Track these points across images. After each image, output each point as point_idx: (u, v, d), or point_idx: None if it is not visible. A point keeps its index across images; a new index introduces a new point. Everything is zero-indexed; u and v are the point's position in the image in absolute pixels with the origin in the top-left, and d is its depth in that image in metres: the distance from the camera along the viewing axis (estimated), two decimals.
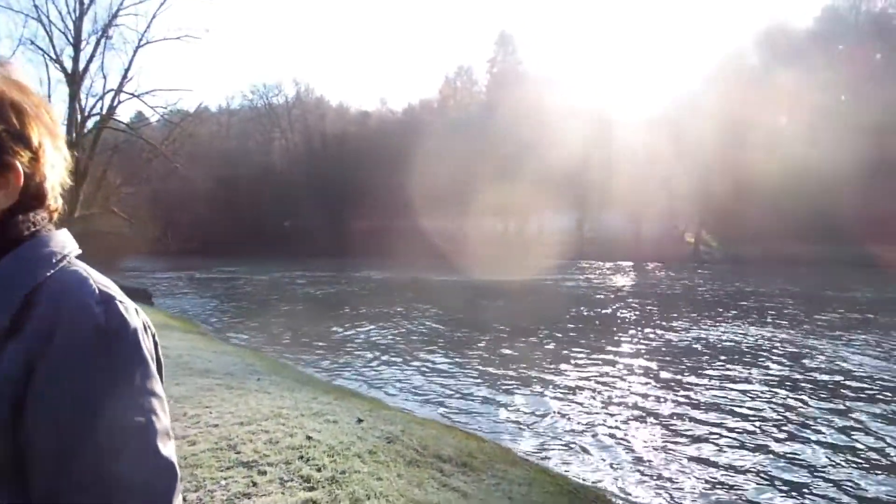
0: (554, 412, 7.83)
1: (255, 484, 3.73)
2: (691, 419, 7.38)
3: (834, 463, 5.96)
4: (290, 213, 58.54)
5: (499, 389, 9.06)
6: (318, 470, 3.99)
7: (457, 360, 11.20)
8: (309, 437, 4.61)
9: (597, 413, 7.77)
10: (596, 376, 9.68)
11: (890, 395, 8.40)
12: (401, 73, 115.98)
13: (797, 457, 6.13)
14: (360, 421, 5.38)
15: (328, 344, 13.15)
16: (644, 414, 7.68)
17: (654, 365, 10.53)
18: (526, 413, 7.84)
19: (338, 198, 55.26)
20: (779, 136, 41.72)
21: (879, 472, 5.70)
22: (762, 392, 8.55)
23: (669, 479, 5.68)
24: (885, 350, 11.38)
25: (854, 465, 5.92)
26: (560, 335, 13.63)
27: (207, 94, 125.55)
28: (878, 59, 45.32)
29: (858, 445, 6.43)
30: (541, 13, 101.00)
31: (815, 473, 5.73)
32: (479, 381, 9.63)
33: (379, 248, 47.92)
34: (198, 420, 5.02)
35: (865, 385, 8.92)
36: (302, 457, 4.20)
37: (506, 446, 6.44)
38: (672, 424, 7.23)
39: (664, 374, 9.78)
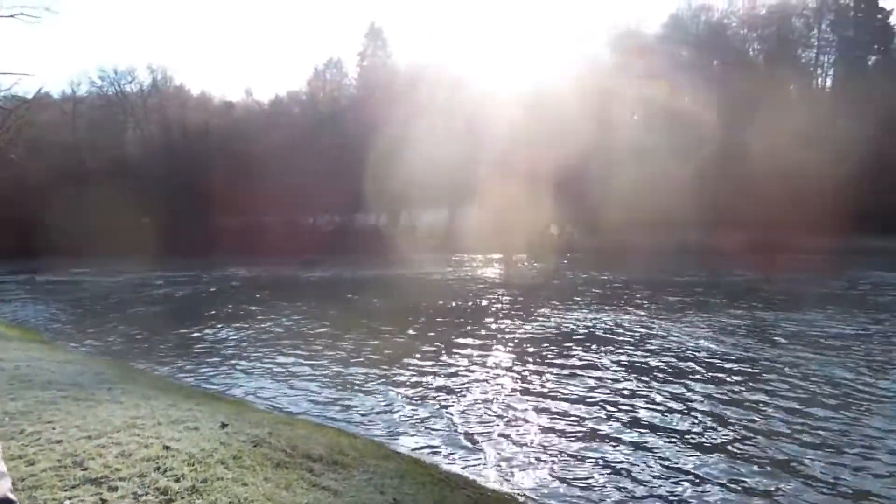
0: (422, 404, 7.98)
1: (104, 501, 3.47)
2: (544, 407, 7.77)
3: (669, 444, 6.55)
4: (147, 210, 54.52)
5: (368, 384, 9.07)
6: (177, 480, 3.79)
7: (326, 356, 11.05)
8: (166, 447, 4.35)
9: (460, 403, 8.00)
10: (459, 367, 9.95)
11: (716, 373, 9.38)
12: (267, 63, 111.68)
13: (638, 440, 6.67)
14: (223, 426, 5.16)
15: (188, 347, 12.49)
16: (504, 403, 7.98)
17: (513, 354, 11.00)
18: (396, 406, 7.93)
19: (201, 193, 52.23)
20: (633, 133, 45.03)
21: (711, 452, 6.33)
22: (609, 377, 9.20)
23: (526, 466, 5.97)
24: (716, 330, 12.69)
25: (689, 446, 6.54)
26: (426, 328, 13.86)
27: (49, 78, 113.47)
28: (715, 66, 50.15)
29: (691, 425, 7.12)
30: (410, 7, 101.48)
31: (653, 455, 6.27)
32: (349, 376, 9.58)
33: (246, 245, 46.06)
34: (38, 437, 4.58)
35: (698, 366, 9.89)
36: (159, 468, 3.96)
37: (378, 441, 6.48)
38: (528, 412, 7.59)
39: (522, 364, 10.22)
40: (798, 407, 7.47)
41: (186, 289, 25.23)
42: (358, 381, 9.24)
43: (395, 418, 7.47)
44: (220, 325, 14.89)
